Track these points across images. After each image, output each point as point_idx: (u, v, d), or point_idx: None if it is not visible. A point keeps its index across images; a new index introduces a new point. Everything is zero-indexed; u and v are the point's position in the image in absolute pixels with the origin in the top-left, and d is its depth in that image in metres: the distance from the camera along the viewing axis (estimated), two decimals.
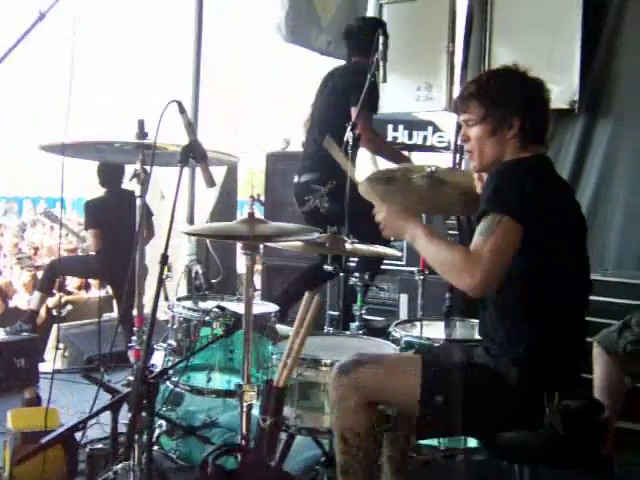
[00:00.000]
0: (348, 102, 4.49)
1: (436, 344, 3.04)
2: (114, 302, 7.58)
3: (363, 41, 4.58)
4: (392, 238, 2.62)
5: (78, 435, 3.20)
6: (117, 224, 5.70)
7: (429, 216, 3.97)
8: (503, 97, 2.47)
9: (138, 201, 2.86)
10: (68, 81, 2.71)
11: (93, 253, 5.99)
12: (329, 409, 2.60)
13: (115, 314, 7.04)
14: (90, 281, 9.27)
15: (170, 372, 3.09)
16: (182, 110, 2.47)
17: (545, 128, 2.56)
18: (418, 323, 3.56)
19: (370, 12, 7.01)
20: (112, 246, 5.75)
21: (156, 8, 6.19)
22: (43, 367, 5.98)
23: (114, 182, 5.95)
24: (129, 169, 5.83)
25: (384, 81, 4.05)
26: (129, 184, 5.93)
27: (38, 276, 9.48)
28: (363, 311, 3.85)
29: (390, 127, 8.37)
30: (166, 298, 4.99)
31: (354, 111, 4.32)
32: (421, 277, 3.97)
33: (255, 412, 2.62)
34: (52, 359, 6.17)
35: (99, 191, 6.08)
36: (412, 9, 6.71)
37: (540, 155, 2.52)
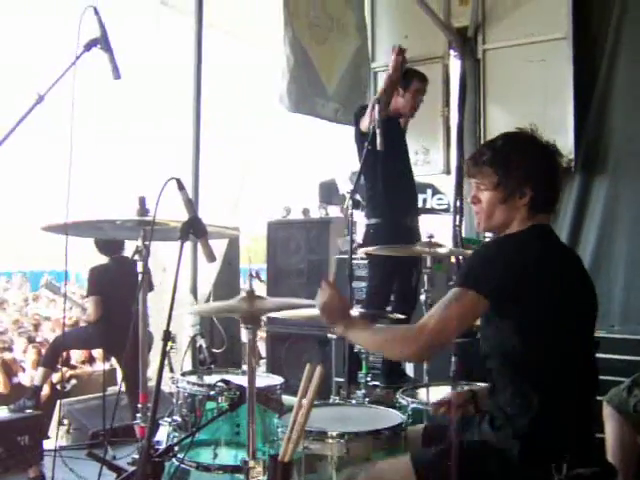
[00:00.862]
0: None
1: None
2: (118, 375, 7.54)
3: None
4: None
5: None
6: (119, 292, 5.68)
7: None
8: (518, 166, 2.45)
9: (140, 277, 2.86)
10: (68, 159, 2.75)
11: (91, 322, 5.92)
12: None
13: (120, 387, 6.97)
14: (95, 355, 9.25)
15: (175, 449, 3.04)
16: (181, 187, 2.50)
17: (556, 197, 2.54)
18: (424, 389, 3.54)
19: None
20: (113, 315, 5.71)
21: (155, 84, 6.27)
22: (47, 444, 5.92)
23: (115, 249, 5.91)
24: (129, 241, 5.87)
25: (381, 148, 4.09)
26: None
27: (42, 351, 9.46)
28: (368, 378, 3.82)
29: None
30: (171, 370, 4.94)
31: None
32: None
33: None
34: (55, 436, 6.10)
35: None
36: None
37: (539, 226, 2.49)
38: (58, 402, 6.76)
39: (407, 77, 5.07)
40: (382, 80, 6.75)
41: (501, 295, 2.29)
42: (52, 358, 6.14)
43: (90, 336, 6.04)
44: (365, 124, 4.79)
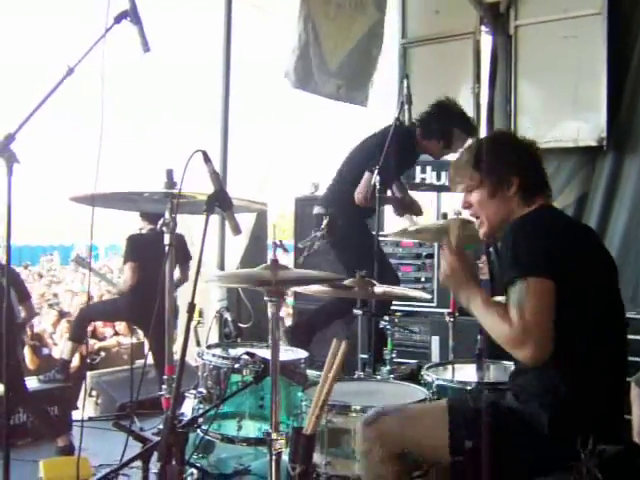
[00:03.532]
0: None
1: (468, 387, 3.01)
2: (146, 349, 7.61)
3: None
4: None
5: None
6: (152, 264, 5.70)
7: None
8: (497, 161, 2.51)
9: (167, 249, 2.87)
10: (98, 131, 2.76)
11: (124, 290, 5.89)
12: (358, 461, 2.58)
13: (147, 361, 7.04)
14: (123, 328, 9.32)
15: (200, 420, 3.07)
16: (207, 159, 2.49)
17: (544, 179, 2.58)
18: (450, 366, 3.53)
19: (394, 55, 7.08)
20: (144, 286, 5.66)
21: (184, 55, 6.27)
22: (76, 415, 6.01)
23: (156, 221, 5.91)
24: None
25: (409, 124, 4.07)
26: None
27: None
28: (394, 354, 3.82)
29: (418, 169, 8.37)
30: (198, 344, 4.98)
31: None
32: (452, 319, 3.94)
33: (285, 459, 2.60)
34: (84, 407, 6.19)
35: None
36: (436, 51, 6.77)
37: (546, 206, 2.52)
38: (87, 374, 6.85)
39: (452, 132, 4.68)
40: (413, 58, 6.73)
41: (552, 269, 2.25)
42: (79, 331, 6.19)
43: (117, 308, 6.06)
44: (359, 198, 4.58)
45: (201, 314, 3.84)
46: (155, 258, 5.61)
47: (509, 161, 2.52)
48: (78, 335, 6.17)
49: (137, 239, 5.92)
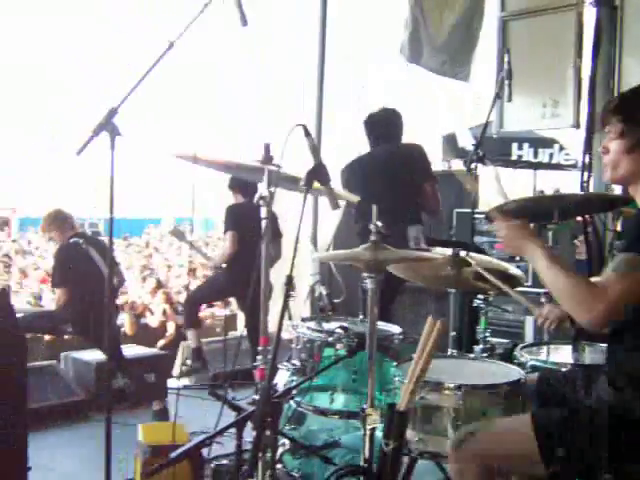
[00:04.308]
0: None
1: (563, 369, 2.95)
2: (239, 321, 7.75)
3: None
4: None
5: (204, 451, 3.29)
6: (251, 235, 5.76)
7: None
8: None
9: (264, 223, 2.90)
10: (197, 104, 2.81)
11: (220, 263, 5.97)
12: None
13: (240, 333, 7.17)
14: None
15: (293, 392, 3.11)
16: (307, 133, 2.50)
17: None
18: (545, 347, 3.46)
19: (493, 29, 6.92)
20: (242, 257, 5.74)
21: (280, 31, 6.30)
22: (171, 383, 6.19)
23: (251, 193, 5.92)
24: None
25: (509, 100, 3.99)
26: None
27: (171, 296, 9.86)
28: (487, 333, 3.78)
29: (515, 145, 8.21)
30: (290, 317, 5.04)
31: None
32: (547, 298, 3.86)
33: (378, 434, 2.61)
34: (179, 375, 6.36)
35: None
36: (537, 24, 6.57)
37: None
38: (182, 343, 7.04)
39: None
40: (512, 32, 6.56)
41: None
42: (192, 317, 6.30)
43: (220, 285, 6.11)
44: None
45: (293, 288, 3.88)
46: (252, 229, 5.68)
47: None
48: (193, 321, 6.28)
49: (236, 209, 5.96)
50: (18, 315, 3.78)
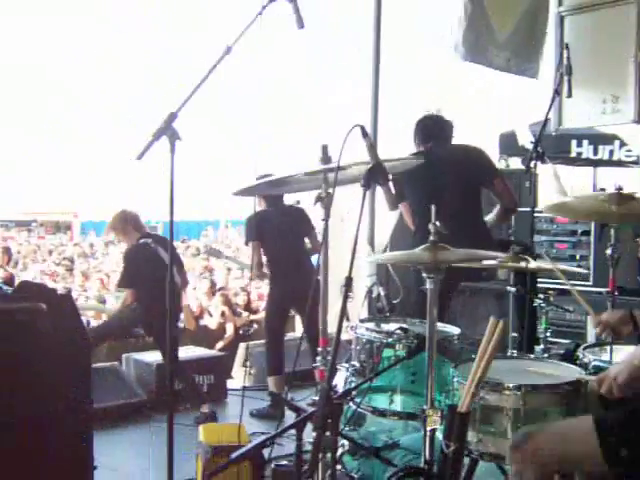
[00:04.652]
0: None
1: None
2: (296, 322, 7.78)
3: None
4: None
5: (264, 452, 3.31)
6: (279, 238, 5.78)
7: None
8: None
9: (322, 224, 2.90)
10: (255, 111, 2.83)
11: (261, 271, 5.91)
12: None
13: (299, 334, 7.19)
14: None
15: (353, 393, 3.12)
16: (365, 133, 2.50)
17: None
18: (607, 347, 3.40)
19: (551, 24, 6.82)
20: (282, 265, 5.76)
21: (334, 34, 6.33)
22: (231, 384, 6.26)
23: (275, 199, 5.90)
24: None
25: (569, 96, 3.93)
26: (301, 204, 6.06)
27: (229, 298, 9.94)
28: (548, 333, 3.73)
29: (574, 142, 8.06)
30: (347, 318, 5.04)
31: None
32: (610, 298, 3.79)
33: (439, 435, 2.60)
34: (241, 376, 6.40)
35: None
36: (595, 18, 6.45)
37: None
38: (241, 345, 7.10)
39: None
40: (570, 27, 6.45)
41: None
42: (272, 362, 5.84)
43: (280, 299, 5.91)
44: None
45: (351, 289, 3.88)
46: (283, 233, 5.73)
47: None
48: (274, 367, 5.78)
49: (256, 217, 5.86)
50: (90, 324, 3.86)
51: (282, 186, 3.32)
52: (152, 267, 5.56)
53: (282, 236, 5.79)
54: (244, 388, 5.57)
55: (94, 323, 9.36)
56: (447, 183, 4.46)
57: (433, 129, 4.77)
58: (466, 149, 4.78)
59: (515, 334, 4.21)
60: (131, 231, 5.81)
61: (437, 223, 2.67)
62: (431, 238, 2.67)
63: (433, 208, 2.67)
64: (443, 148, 4.71)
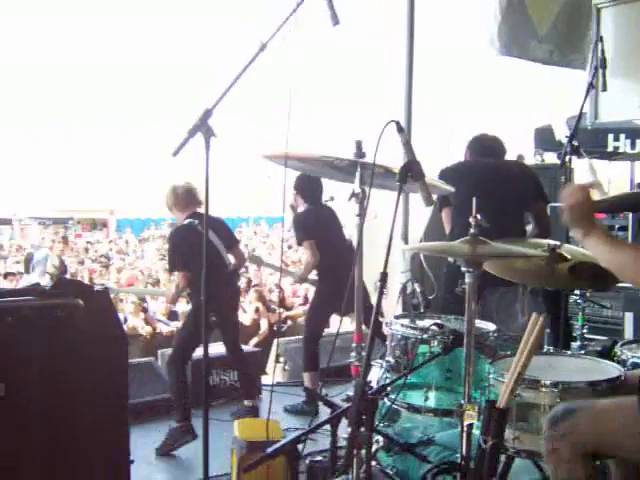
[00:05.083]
0: None
1: None
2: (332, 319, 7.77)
3: None
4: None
5: (299, 447, 3.32)
6: (327, 235, 5.77)
7: None
8: None
9: (356, 220, 2.90)
10: (288, 103, 2.84)
11: (306, 274, 5.87)
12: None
13: (335, 330, 7.18)
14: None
15: (388, 389, 3.11)
16: (400, 129, 2.49)
17: None
18: None
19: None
20: (331, 264, 5.67)
21: (368, 28, 6.32)
22: (264, 379, 6.28)
23: (316, 197, 5.89)
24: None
25: (604, 89, 3.89)
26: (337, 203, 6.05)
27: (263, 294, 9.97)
28: (584, 330, 3.69)
29: (611, 137, 7.96)
30: (381, 315, 5.03)
31: None
32: None
33: (475, 432, 2.58)
34: (273, 372, 6.42)
35: None
36: (631, 11, 6.36)
37: None
38: (275, 341, 7.12)
39: None
40: (606, 20, 6.37)
41: None
42: (309, 358, 5.75)
43: (328, 302, 5.69)
44: None
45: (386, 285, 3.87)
46: (326, 231, 5.69)
47: None
48: (311, 363, 5.73)
49: (305, 217, 5.86)
50: None
51: (315, 166, 3.30)
52: (199, 248, 5.34)
53: (332, 233, 5.81)
54: (273, 385, 5.55)
55: (131, 319, 9.49)
56: (500, 192, 4.44)
57: (493, 145, 4.79)
58: (522, 166, 4.81)
59: (548, 330, 4.18)
60: (181, 209, 5.36)
61: (478, 216, 2.65)
62: (471, 231, 2.65)
63: (474, 200, 2.66)
64: (501, 161, 4.74)
